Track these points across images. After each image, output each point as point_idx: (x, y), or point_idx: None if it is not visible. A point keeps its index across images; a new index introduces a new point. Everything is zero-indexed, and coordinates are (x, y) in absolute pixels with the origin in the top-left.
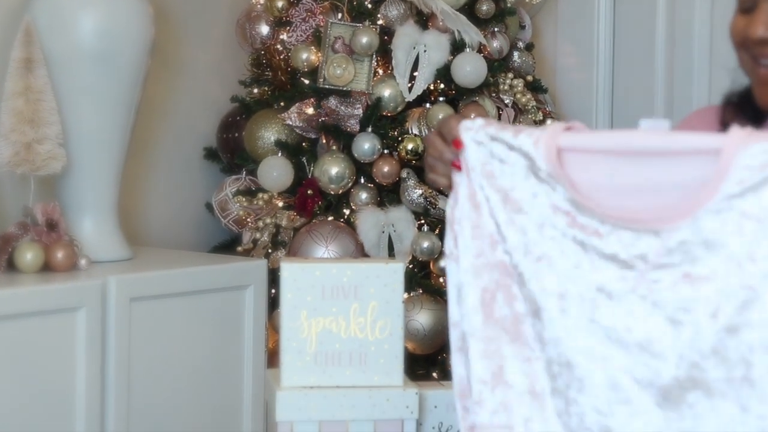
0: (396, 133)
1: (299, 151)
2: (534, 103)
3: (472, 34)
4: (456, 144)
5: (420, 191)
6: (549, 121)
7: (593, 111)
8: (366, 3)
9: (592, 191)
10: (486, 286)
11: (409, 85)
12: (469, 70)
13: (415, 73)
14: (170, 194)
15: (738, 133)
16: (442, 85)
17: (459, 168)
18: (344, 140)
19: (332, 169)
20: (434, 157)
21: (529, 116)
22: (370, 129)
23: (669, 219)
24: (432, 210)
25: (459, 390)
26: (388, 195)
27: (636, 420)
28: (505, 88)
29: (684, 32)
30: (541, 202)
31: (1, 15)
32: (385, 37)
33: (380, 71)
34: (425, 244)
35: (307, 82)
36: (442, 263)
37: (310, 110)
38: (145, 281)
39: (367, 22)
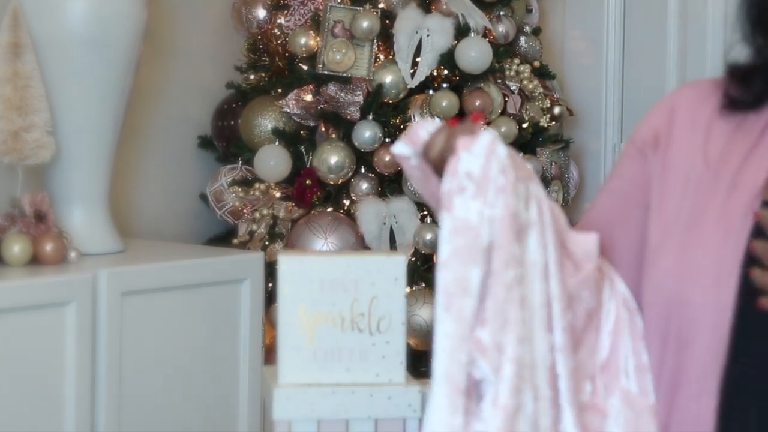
0: (398, 120)
1: (297, 140)
2: (541, 90)
3: (476, 18)
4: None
5: None
6: (557, 109)
7: (602, 97)
8: None
9: None
10: None
11: (412, 71)
12: (474, 55)
13: (418, 59)
14: (163, 184)
15: None
16: (445, 71)
17: None
18: (344, 128)
19: (332, 159)
20: None
21: (536, 103)
22: (370, 117)
23: None
24: None
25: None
26: (389, 185)
27: None
28: (512, 74)
29: (697, 15)
30: None
31: None
32: (387, 21)
33: (381, 56)
34: (428, 236)
35: (305, 67)
36: None
37: (309, 97)
38: (137, 275)
39: (367, 6)
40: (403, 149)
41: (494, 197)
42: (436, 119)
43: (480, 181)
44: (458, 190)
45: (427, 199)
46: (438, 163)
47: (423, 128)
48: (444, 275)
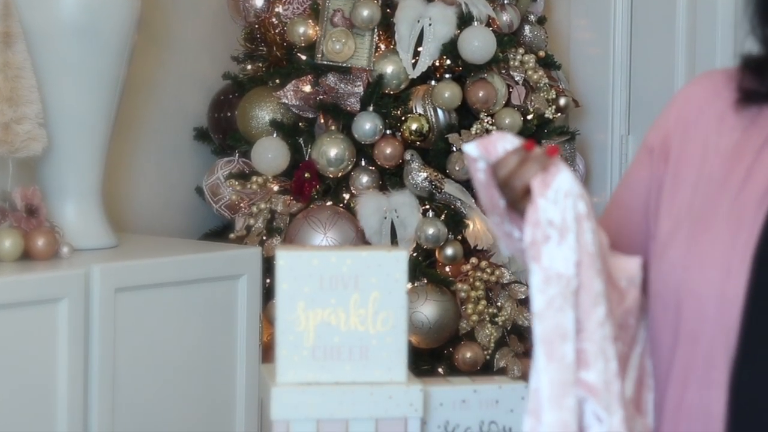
0: (399, 112)
1: (296, 132)
2: (546, 80)
3: (480, 6)
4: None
5: (424, 174)
6: (563, 100)
7: (609, 88)
8: None
9: None
10: None
11: (413, 61)
12: (477, 45)
13: (420, 49)
14: (158, 178)
15: None
16: (448, 61)
17: None
18: (344, 120)
19: (331, 151)
20: None
21: (542, 94)
22: (371, 108)
23: None
24: (437, 194)
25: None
26: (390, 178)
27: None
28: (516, 64)
29: (706, 4)
30: None
31: None
32: (388, 10)
33: (382, 46)
34: (430, 231)
35: (304, 57)
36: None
37: (308, 88)
38: (131, 270)
39: None
40: (474, 152)
41: (574, 241)
42: (515, 138)
43: (561, 227)
44: (543, 240)
45: (483, 199)
46: (503, 183)
47: (501, 143)
48: (541, 325)
